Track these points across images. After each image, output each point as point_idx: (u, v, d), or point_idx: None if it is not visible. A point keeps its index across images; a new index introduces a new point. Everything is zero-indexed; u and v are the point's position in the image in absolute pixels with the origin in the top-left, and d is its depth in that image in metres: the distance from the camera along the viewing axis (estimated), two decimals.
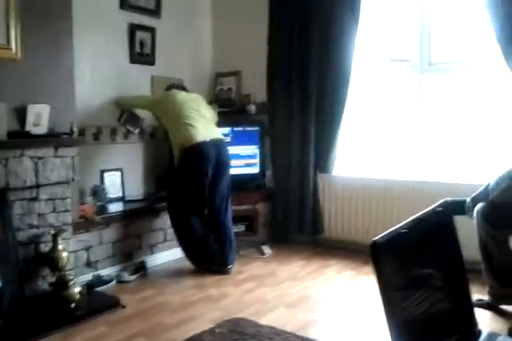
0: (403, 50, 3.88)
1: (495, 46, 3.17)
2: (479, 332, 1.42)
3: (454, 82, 3.66)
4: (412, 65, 3.77)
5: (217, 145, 3.39)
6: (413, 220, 1.14)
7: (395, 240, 1.06)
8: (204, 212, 3.47)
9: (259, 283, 3.22)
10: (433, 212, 1.24)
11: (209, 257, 3.44)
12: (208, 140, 3.32)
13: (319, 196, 4.07)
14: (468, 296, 1.40)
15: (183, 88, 3.76)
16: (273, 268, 3.54)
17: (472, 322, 1.43)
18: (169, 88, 3.69)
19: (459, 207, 2.82)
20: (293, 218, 4.11)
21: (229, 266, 3.42)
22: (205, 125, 3.42)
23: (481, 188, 2.73)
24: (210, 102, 3.94)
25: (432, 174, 3.67)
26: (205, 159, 3.29)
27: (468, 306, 1.40)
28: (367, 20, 3.85)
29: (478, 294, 2.75)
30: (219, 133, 3.53)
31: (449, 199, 2.82)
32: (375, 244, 0.99)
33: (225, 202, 3.47)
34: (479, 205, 2.65)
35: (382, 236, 1.03)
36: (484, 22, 3.20)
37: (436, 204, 1.29)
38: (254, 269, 3.51)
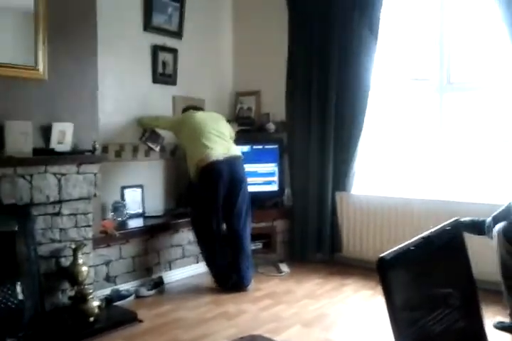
0: (422, 69, 3.89)
1: None
2: None
3: (473, 101, 3.65)
4: (431, 83, 3.78)
5: (231, 162, 3.43)
6: (422, 238, 1.15)
7: (403, 257, 1.07)
8: (221, 228, 3.50)
9: (276, 301, 3.22)
10: (442, 230, 1.24)
11: (228, 275, 3.46)
12: (221, 158, 3.38)
13: (337, 214, 4.07)
14: (480, 316, 1.39)
15: (199, 108, 3.86)
16: (290, 286, 3.53)
17: None
18: (186, 109, 3.79)
19: (477, 227, 2.79)
20: (311, 236, 4.11)
21: (247, 286, 3.43)
22: (221, 144, 3.48)
23: (503, 207, 2.70)
24: (229, 121, 4.00)
25: (451, 193, 3.64)
26: (217, 177, 3.35)
27: (481, 326, 1.38)
28: (386, 38, 3.88)
29: (500, 316, 2.70)
30: (235, 150, 3.56)
31: (468, 219, 2.84)
32: (382, 259, 1.01)
33: (242, 219, 3.50)
34: (500, 224, 2.62)
35: (390, 253, 1.04)
36: (504, 41, 3.19)
37: (447, 222, 1.30)
38: (271, 287, 3.51)
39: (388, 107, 4.04)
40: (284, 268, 3.89)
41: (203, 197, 3.42)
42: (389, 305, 1.02)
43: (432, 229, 1.22)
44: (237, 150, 3.62)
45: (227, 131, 3.69)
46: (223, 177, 3.36)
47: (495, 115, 3.56)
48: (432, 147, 3.78)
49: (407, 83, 3.96)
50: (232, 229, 3.49)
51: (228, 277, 3.44)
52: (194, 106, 3.85)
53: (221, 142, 3.49)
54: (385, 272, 1.02)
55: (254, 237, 4.05)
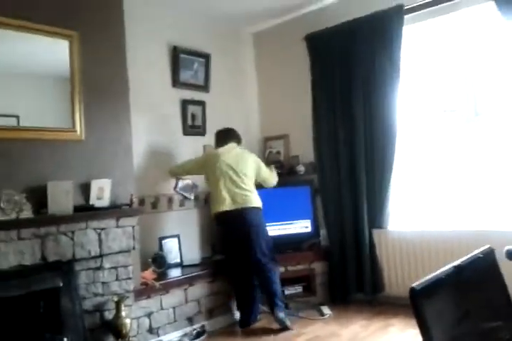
0: (449, 100, 3.90)
1: None
2: None
3: (501, 130, 3.63)
4: (459, 115, 3.78)
5: (243, 213, 3.56)
6: (453, 266, 1.16)
7: (435, 286, 1.08)
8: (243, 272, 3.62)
9: None
10: (475, 258, 1.24)
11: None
12: (232, 209, 3.55)
13: (376, 252, 4.00)
14: None
15: (229, 132, 3.87)
16: (334, 329, 3.45)
17: None
18: (217, 135, 3.89)
19: None
20: (351, 277, 4.04)
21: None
22: (235, 192, 3.58)
23: None
24: (268, 163, 4.14)
25: (488, 222, 3.55)
26: (228, 227, 3.62)
27: None
28: (409, 72, 3.94)
29: None
30: (251, 201, 3.60)
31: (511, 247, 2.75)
32: (413, 289, 1.02)
33: (260, 250, 3.55)
34: None
35: (421, 283, 1.05)
36: None
37: (479, 250, 1.30)
38: (314, 331, 3.43)
39: (418, 141, 4.04)
40: (326, 310, 3.81)
41: (222, 241, 3.75)
42: (424, 336, 1.02)
43: (464, 258, 1.22)
44: (255, 201, 3.63)
45: (253, 171, 3.72)
46: (234, 228, 3.58)
47: None
48: (465, 177, 3.73)
49: (435, 115, 3.95)
50: (255, 261, 3.55)
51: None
52: (225, 131, 3.88)
53: (235, 189, 3.58)
54: (418, 302, 1.03)
55: (293, 281, 4.03)
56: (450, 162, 3.87)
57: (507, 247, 2.74)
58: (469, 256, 1.24)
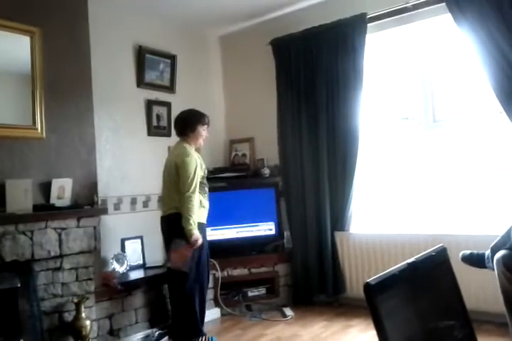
0: (408, 108, 4.03)
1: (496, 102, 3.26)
2: None
3: (459, 137, 3.76)
4: (418, 122, 3.91)
5: (166, 221, 3.29)
6: (407, 263, 1.20)
7: (390, 282, 1.11)
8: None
9: None
10: (428, 256, 1.29)
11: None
12: (163, 215, 3.32)
13: (338, 255, 4.07)
14: None
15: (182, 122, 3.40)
16: (296, 330, 3.48)
17: None
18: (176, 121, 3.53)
19: (477, 260, 2.79)
20: (313, 278, 4.09)
21: None
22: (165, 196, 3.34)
23: (499, 237, 2.71)
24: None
25: (446, 226, 3.68)
26: (163, 233, 3.35)
27: None
28: (371, 79, 4.05)
29: None
30: (171, 206, 3.22)
31: (467, 252, 2.86)
32: (367, 285, 1.05)
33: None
34: (499, 253, 2.61)
35: (376, 278, 1.09)
36: (483, 78, 3.31)
37: (432, 248, 1.35)
38: (276, 332, 3.46)
39: (379, 147, 4.15)
40: (289, 312, 3.85)
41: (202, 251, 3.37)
42: (379, 332, 1.05)
43: (418, 255, 1.27)
44: (174, 204, 3.20)
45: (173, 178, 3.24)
46: (165, 235, 3.34)
47: (479, 148, 3.66)
48: (423, 182, 3.85)
49: (395, 122, 4.07)
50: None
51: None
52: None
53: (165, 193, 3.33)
54: (373, 298, 1.06)
55: (256, 283, 4.06)
56: (409, 168, 3.99)
57: (463, 252, 2.84)
58: (423, 253, 1.29)
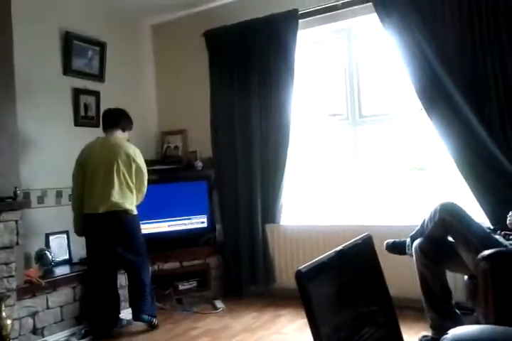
0: (336, 104, 4.16)
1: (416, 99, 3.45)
2: None
3: (384, 132, 3.94)
4: (345, 118, 4.04)
5: (109, 217, 3.29)
6: (335, 251, 1.25)
7: (319, 269, 1.15)
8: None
9: (214, 338, 3.18)
10: (354, 244, 1.35)
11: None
12: (100, 212, 3.27)
13: (269, 246, 4.14)
14: (400, 331, 1.48)
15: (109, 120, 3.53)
16: (227, 321, 3.51)
17: None
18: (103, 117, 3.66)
19: (399, 248, 2.99)
20: (245, 270, 4.13)
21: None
22: (101, 192, 3.29)
23: (418, 227, 2.91)
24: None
25: (371, 217, 3.85)
26: (94, 231, 3.34)
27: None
28: (302, 75, 4.14)
29: (424, 331, 2.85)
30: (117, 202, 3.28)
31: (391, 240, 3.03)
32: (299, 272, 1.08)
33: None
34: (417, 241, 2.82)
35: (306, 266, 1.12)
36: (406, 77, 3.48)
37: (358, 237, 1.41)
38: (207, 324, 3.47)
39: (309, 141, 4.25)
40: (220, 304, 3.87)
41: None
42: (310, 318, 1.08)
43: (345, 244, 1.32)
44: (121, 200, 3.30)
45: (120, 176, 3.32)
46: (103, 232, 3.34)
47: (404, 143, 3.86)
48: (351, 176, 4.00)
49: (324, 118, 4.20)
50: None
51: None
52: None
53: (101, 190, 3.29)
54: (304, 284, 1.09)
55: (188, 276, 4.04)
56: (337, 161, 4.13)
57: (387, 241, 3.01)
58: (350, 241, 1.34)
